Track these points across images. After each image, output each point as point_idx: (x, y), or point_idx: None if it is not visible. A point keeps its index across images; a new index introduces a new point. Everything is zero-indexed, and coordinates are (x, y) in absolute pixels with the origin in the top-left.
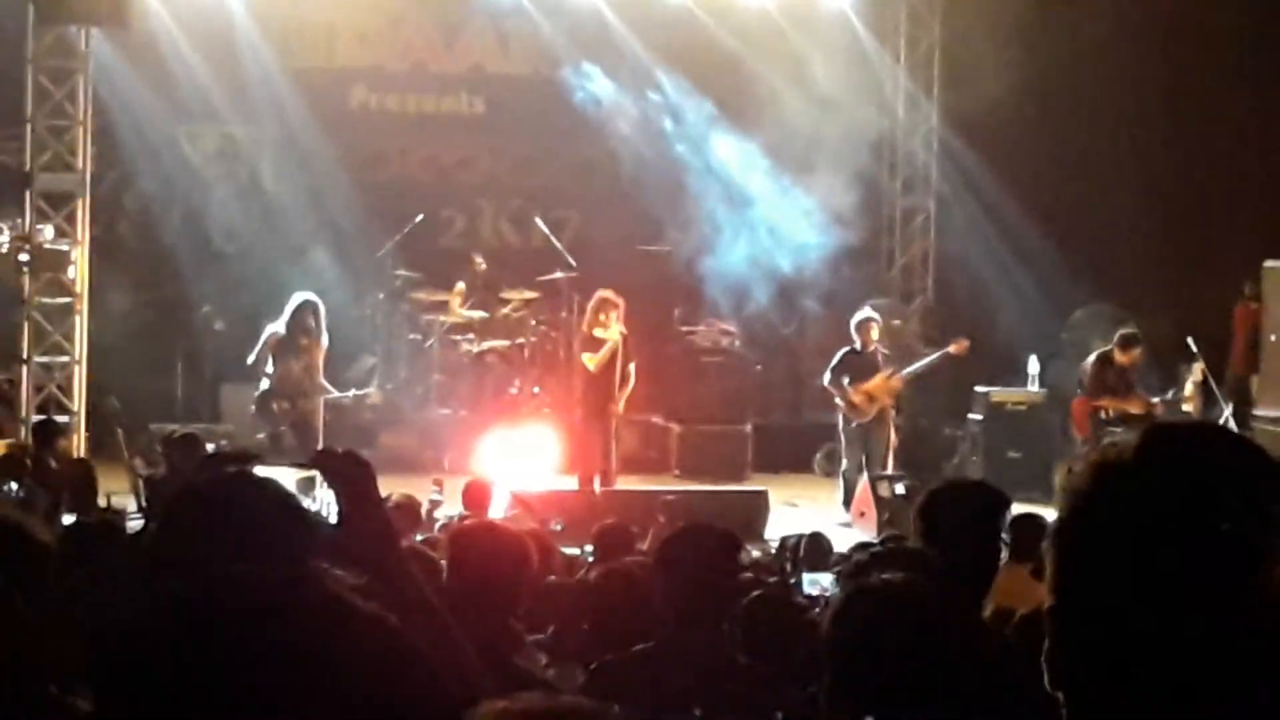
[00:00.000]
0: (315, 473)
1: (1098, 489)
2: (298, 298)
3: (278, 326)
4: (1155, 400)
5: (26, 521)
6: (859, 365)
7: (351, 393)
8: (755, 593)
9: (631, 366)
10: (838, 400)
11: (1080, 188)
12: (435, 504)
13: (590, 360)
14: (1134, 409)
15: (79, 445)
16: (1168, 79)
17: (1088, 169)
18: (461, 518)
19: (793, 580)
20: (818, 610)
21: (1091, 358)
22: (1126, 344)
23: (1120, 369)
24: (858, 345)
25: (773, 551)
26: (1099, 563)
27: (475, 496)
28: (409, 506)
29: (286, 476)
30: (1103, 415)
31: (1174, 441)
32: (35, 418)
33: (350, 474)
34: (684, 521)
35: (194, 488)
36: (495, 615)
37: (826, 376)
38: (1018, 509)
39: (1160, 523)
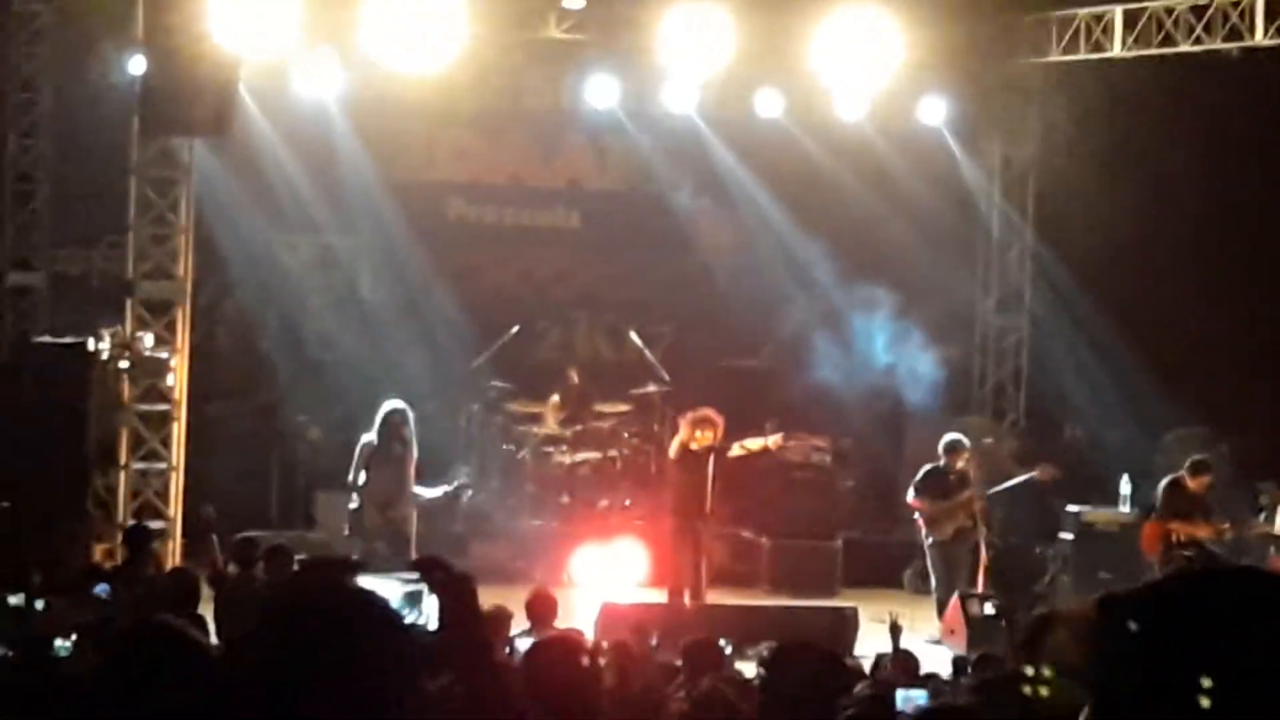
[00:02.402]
0: (421, 586)
1: (1111, 628)
2: (387, 405)
3: (371, 436)
4: (1226, 525)
5: (184, 626)
6: (941, 484)
7: (442, 490)
8: (849, 711)
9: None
10: (916, 516)
11: (1175, 309)
12: None
13: (672, 450)
14: (1202, 533)
15: (174, 552)
16: (1266, 201)
17: (1183, 289)
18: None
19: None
20: None
21: (1164, 481)
22: (1197, 470)
23: (1192, 495)
24: (941, 465)
25: (860, 667)
26: (1137, 697)
27: (539, 609)
28: (500, 617)
29: (392, 590)
30: (1174, 539)
31: (1188, 587)
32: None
33: (453, 587)
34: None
35: (304, 602)
36: None
37: (910, 493)
38: None
39: (1174, 661)
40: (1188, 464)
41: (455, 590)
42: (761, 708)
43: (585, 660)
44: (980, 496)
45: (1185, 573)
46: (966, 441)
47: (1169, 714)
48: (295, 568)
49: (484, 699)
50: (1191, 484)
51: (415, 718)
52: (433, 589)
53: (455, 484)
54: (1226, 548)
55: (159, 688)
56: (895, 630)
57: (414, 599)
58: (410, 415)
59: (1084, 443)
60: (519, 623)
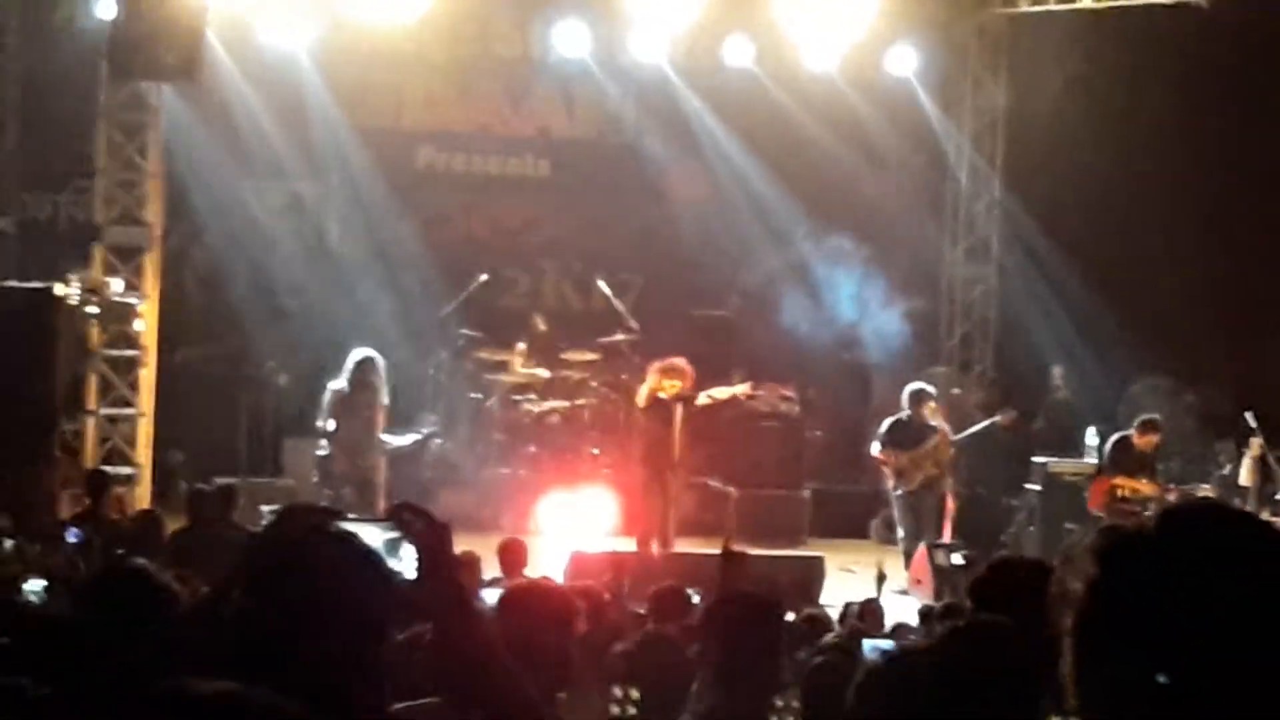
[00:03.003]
0: (399, 534)
1: (1116, 565)
2: (358, 354)
3: (340, 384)
4: (1171, 486)
5: (154, 570)
6: (906, 434)
7: (410, 438)
8: (819, 659)
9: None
10: (884, 467)
11: (1143, 260)
12: None
13: (640, 398)
14: (1147, 491)
15: (142, 498)
16: (1234, 149)
17: (1151, 241)
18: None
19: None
20: None
21: (1113, 438)
22: (1145, 429)
23: (1139, 452)
24: (906, 415)
25: (829, 617)
26: (1117, 636)
27: (511, 557)
28: (468, 563)
29: (373, 536)
30: (1119, 495)
31: (1189, 520)
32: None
33: (429, 535)
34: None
35: (284, 544)
36: (544, 676)
37: (875, 445)
38: None
39: (1176, 598)
40: (1137, 422)
41: (433, 538)
42: (702, 655)
43: (561, 607)
44: (948, 443)
45: (1187, 509)
46: (932, 390)
47: (1182, 655)
48: (259, 512)
49: (462, 647)
50: (1139, 442)
51: (387, 666)
52: (410, 537)
53: (423, 432)
54: None
55: (131, 630)
56: (881, 579)
57: (393, 546)
58: (380, 363)
59: (1072, 387)
60: (488, 569)
